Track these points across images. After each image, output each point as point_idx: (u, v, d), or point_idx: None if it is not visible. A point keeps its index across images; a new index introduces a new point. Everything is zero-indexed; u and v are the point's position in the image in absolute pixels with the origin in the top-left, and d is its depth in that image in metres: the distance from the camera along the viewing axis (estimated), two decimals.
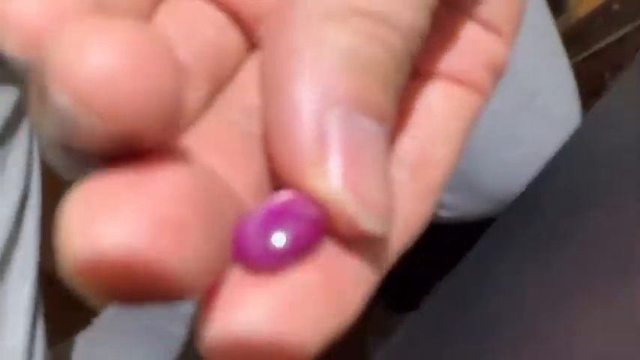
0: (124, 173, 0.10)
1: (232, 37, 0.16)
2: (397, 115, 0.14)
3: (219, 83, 0.15)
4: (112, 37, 0.09)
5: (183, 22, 0.15)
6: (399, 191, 0.14)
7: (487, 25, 0.16)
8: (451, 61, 0.15)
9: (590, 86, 0.44)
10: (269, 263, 0.11)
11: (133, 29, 0.09)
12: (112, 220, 0.09)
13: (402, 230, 0.14)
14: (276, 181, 0.13)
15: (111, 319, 0.53)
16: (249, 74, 0.16)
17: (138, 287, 0.09)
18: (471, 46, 0.16)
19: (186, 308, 0.51)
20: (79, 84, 0.09)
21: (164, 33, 0.14)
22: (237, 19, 0.16)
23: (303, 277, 0.11)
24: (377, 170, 0.12)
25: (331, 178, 0.11)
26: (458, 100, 0.15)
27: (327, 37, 0.12)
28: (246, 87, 0.15)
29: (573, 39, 0.43)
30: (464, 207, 0.45)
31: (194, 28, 0.15)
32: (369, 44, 0.12)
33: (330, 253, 0.12)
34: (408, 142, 0.15)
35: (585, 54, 0.50)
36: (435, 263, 0.39)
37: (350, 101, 0.11)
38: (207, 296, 0.11)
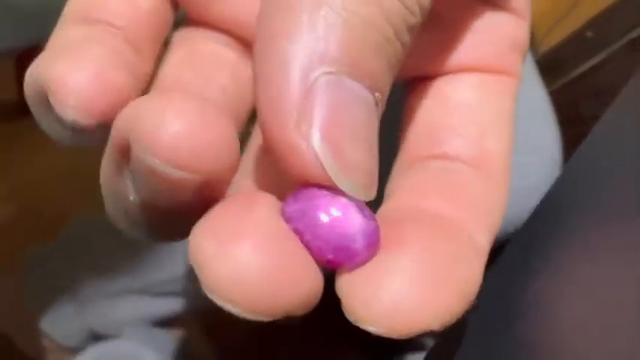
0: (229, 206, 0.12)
1: (246, 73, 0.17)
2: (442, 119, 0.15)
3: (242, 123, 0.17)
4: (184, 107, 0.11)
5: (200, 71, 0.16)
6: (470, 185, 0.15)
7: (505, 7, 0.16)
8: (478, 51, 0.16)
9: (566, 115, 0.43)
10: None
11: (196, 103, 0.11)
12: (242, 246, 0.11)
13: (490, 222, 0.14)
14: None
15: None
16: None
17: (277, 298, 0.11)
18: (495, 32, 0.16)
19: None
20: (164, 145, 0.11)
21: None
22: (247, 47, 0.17)
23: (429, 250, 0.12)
24: (362, 135, 0.12)
25: (312, 133, 0.11)
26: (493, 88, 0.16)
27: None
28: None
29: (547, 68, 0.43)
30: None
31: (211, 76, 0.16)
32: (365, 7, 0.12)
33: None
34: (460, 141, 0.15)
35: (560, 82, 0.50)
36: None
37: (340, 62, 0.11)
38: None
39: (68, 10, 0.16)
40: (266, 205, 0.12)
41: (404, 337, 0.12)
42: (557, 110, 0.41)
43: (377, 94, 0.12)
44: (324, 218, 0.12)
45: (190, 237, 0.12)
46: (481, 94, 0.16)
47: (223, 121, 0.12)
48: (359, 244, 0.12)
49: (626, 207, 0.21)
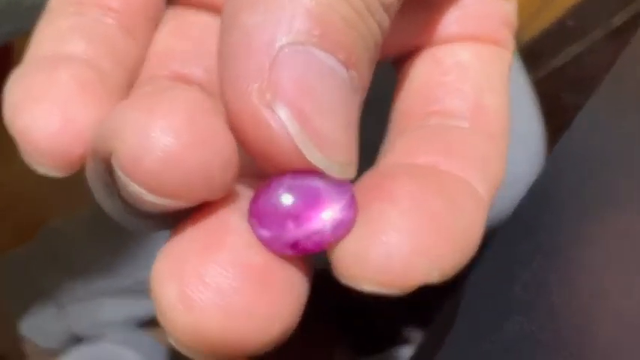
0: (196, 236, 0.11)
1: None
2: (436, 78, 0.15)
3: None
4: (170, 118, 0.10)
5: (190, 39, 0.16)
6: (467, 140, 0.14)
7: None
8: (472, 23, 0.16)
9: (548, 105, 0.43)
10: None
11: (186, 110, 0.10)
12: (204, 288, 0.10)
13: (489, 174, 0.14)
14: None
15: None
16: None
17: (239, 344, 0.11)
18: (484, 8, 0.16)
19: None
20: (148, 174, 0.10)
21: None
22: None
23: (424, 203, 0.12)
24: (334, 108, 0.11)
25: (276, 106, 0.10)
26: (488, 54, 0.16)
27: None
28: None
29: (528, 58, 0.43)
30: None
31: (201, 45, 0.16)
32: None
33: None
34: (456, 97, 0.15)
35: (542, 73, 0.50)
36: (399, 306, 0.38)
37: (308, 33, 0.11)
38: None
39: None
40: (237, 233, 0.11)
41: (402, 292, 0.11)
42: (540, 100, 0.41)
43: (352, 72, 0.11)
44: (289, 223, 0.11)
45: (153, 270, 0.11)
46: (476, 56, 0.16)
47: (219, 129, 0.11)
48: (326, 234, 0.11)
49: (615, 195, 0.21)
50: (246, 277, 0.11)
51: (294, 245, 0.11)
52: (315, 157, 0.11)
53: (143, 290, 0.47)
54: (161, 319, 0.11)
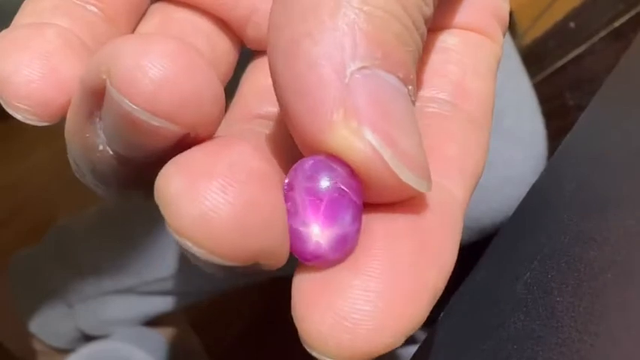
0: (204, 146, 0.11)
1: (222, 45, 0.17)
2: (422, 59, 0.15)
3: None
4: (168, 48, 0.11)
5: (175, 35, 0.16)
6: (446, 129, 0.14)
7: None
8: (462, 13, 0.16)
9: (551, 106, 0.43)
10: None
11: (181, 45, 0.11)
12: (212, 179, 0.10)
13: (466, 169, 0.14)
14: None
15: None
16: (246, 82, 0.17)
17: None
18: (478, 2, 0.16)
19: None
20: (145, 93, 0.10)
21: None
22: (223, 24, 0.17)
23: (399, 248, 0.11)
24: (410, 126, 0.11)
25: (364, 133, 0.10)
26: (475, 42, 0.16)
27: None
28: (244, 95, 0.16)
29: (531, 60, 0.43)
30: None
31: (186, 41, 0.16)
32: (384, 0, 0.11)
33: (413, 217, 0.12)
34: (440, 80, 0.15)
35: (544, 74, 0.50)
36: None
37: (372, 56, 0.11)
38: None
39: None
40: (244, 143, 0.11)
41: None
42: (542, 101, 0.41)
43: (410, 87, 0.11)
44: (322, 194, 0.11)
45: (159, 173, 0.11)
46: (463, 41, 0.15)
47: (208, 66, 0.11)
48: (323, 249, 0.11)
49: (617, 195, 0.21)
50: (253, 174, 0.11)
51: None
52: (408, 177, 0.11)
53: (151, 290, 0.47)
54: (165, 212, 0.10)
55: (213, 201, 0.10)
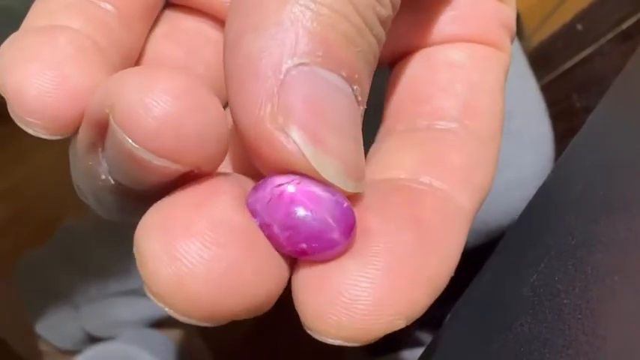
0: (185, 195, 0.11)
1: None
2: (427, 76, 0.15)
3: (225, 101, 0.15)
4: (172, 85, 0.10)
5: (183, 45, 0.16)
6: (453, 144, 0.14)
7: None
8: (469, 24, 0.16)
9: (558, 108, 0.43)
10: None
11: (186, 80, 0.10)
12: (190, 240, 0.10)
13: (474, 182, 0.13)
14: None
15: None
16: None
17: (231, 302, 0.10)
18: (480, 10, 0.16)
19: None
20: (146, 131, 0.10)
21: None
22: None
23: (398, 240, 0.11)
24: (345, 125, 0.11)
25: (290, 125, 0.10)
26: (483, 55, 0.16)
27: None
28: None
29: (538, 62, 0.43)
30: None
31: (193, 53, 0.16)
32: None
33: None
34: (447, 98, 0.15)
35: (551, 76, 0.50)
36: None
37: (312, 53, 0.11)
38: None
39: None
40: (227, 194, 0.11)
41: (364, 344, 0.11)
42: (549, 103, 0.41)
43: (355, 87, 0.11)
44: (298, 210, 0.11)
45: (139, 224, 0.11)
46: (470, 56, 0.15)
47: (215, 104, 0.11)
48: (336, 233, 0.11)
49: (625, 198, 0.21)
50: (234, 234, 0.10)
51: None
52: (330, 175, 0.11)
53: None
54: (142, 271, 0.10)
55: (190, 265, 0.10)
